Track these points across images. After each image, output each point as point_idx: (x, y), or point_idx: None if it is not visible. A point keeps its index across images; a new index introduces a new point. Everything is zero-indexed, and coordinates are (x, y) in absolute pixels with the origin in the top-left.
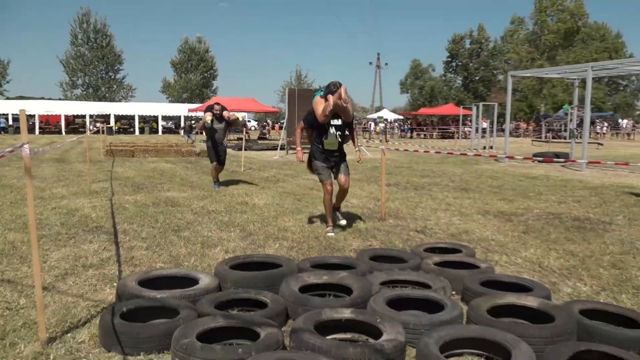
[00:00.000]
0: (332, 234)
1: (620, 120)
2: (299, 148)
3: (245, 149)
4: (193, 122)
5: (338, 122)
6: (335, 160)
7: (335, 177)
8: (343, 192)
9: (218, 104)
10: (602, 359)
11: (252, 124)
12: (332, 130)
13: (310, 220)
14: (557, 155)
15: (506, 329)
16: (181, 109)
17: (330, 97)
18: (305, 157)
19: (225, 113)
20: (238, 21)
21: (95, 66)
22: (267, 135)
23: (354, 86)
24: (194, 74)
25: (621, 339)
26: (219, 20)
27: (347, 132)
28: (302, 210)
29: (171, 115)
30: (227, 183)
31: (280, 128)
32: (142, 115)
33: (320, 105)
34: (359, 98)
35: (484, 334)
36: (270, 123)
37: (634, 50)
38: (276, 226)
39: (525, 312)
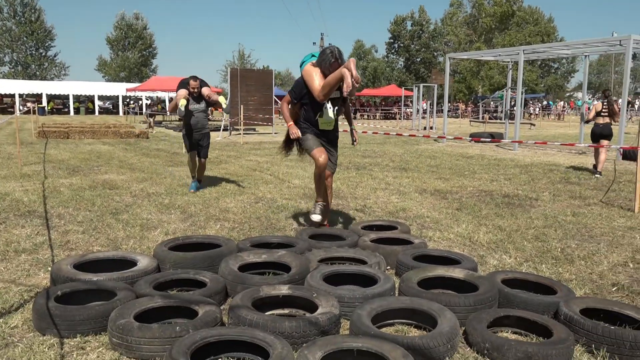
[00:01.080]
0: (319, 217)
1: (557, 102)
2: (290, 123)
3: None
4: (132, 102)
5: (336, 94)
6: (326, 142)
7: None
8: (328, 184)
9: (195, 78)
10: (519, 322)
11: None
12: (329, 105)
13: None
14: (492, 135)
15: (433, 299)
16: (119, 89)
17: (347, 75)
18: (295, 131)
19: (205, 90)
20: None
21: (24, 42)
22: (210, 117)
23: (298, 66)
24: (131, 52)
25: (537, 304)
26: None
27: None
28: (244, 191)
29: (108, 94)
30: (169, 164)
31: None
32: (77, 95)
33: (316, 77)
34: None
35: (412, 304)
36: None
37: (565, 34)
38: (218, 207)
39: (453, 283)
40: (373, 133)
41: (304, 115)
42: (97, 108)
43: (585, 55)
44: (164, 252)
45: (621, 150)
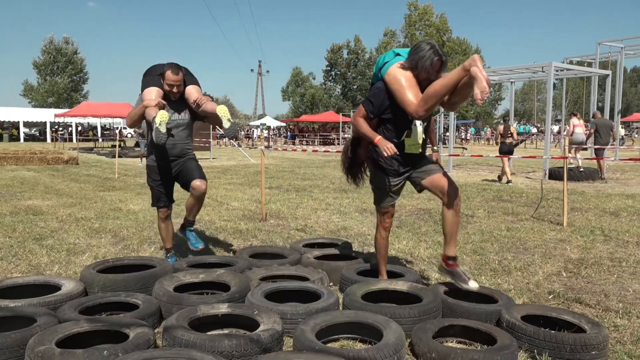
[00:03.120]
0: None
1: (487, 128)
2: (378, 137)
3: (119, 156)
4: (61, 129)
5: None
6: (411, 167)
7: (421, 182)
8: (453, 212)
9: (177, 68)
10: (464, 331)
11: (129, 130)
12: (418, 121)
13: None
14: None
15: (378, 311)
16: (46, 115)
17: (479, 76)
18: (390, 146)
19: (192, 91)
20: (110, 22)
21: None
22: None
23: (236, 92)
24: (60, 77)
25: (479, 313)
26: (89, 21)
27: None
28: (180, 214)
29: (35, 121)
30: (100, 189)
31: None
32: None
33: (408, 84)
34: (242, 105)
35: (357, 317)
36: None
37: (492, 64)
38: (152, 230)
39: (397, 295)
40: (313, 151)
41: (384, 135)
42: (22, 135)
43: (511, 82)
44: (91, 274)
45: (547, 170)
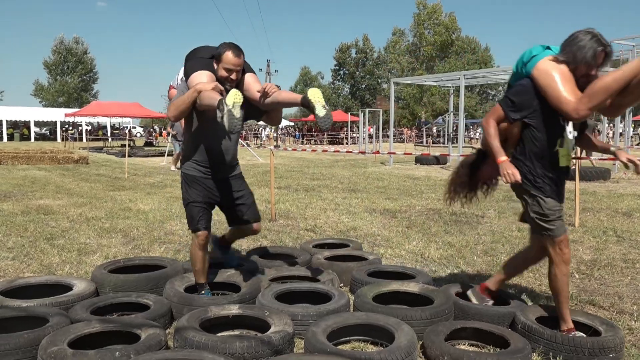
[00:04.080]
0: None
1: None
2: (503, 158)
3: (129, 156)
4: (71, 128)
5: None
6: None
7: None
8: (531, 262)
9: (237, 49)
10: (476, 334)
11: (138, 130)
12: (570, 128)
13: None
14: (437, 158)
15: (389, 313)
16: (57, 114)
17: None
18: (513, 172)
19: (251, 80)
20: (120, 22)
21: None
22: (154, 142)
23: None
24: (71, 77)
25: (492, 315)
26: (98, 21)
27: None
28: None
29: (46, 120)
30: (110, 189)
31: (168, 135)
32: (11, 121)
33: (563, 79)
34: None
35: (368, 319)
36: (158, 129)
37: (501, 63)
38: (162, 230)
39: (408, 297)
40: (323, 151)
41: (530, 145)
42: (33, 134)
43: None
44: (103, 275)
45: None
